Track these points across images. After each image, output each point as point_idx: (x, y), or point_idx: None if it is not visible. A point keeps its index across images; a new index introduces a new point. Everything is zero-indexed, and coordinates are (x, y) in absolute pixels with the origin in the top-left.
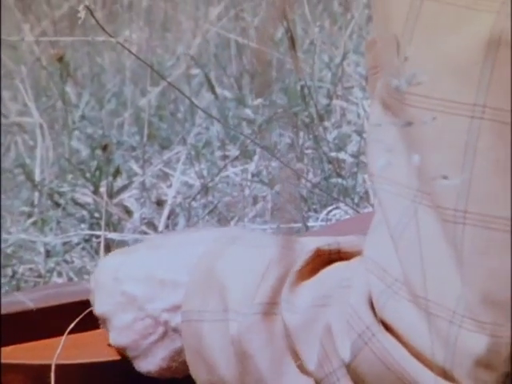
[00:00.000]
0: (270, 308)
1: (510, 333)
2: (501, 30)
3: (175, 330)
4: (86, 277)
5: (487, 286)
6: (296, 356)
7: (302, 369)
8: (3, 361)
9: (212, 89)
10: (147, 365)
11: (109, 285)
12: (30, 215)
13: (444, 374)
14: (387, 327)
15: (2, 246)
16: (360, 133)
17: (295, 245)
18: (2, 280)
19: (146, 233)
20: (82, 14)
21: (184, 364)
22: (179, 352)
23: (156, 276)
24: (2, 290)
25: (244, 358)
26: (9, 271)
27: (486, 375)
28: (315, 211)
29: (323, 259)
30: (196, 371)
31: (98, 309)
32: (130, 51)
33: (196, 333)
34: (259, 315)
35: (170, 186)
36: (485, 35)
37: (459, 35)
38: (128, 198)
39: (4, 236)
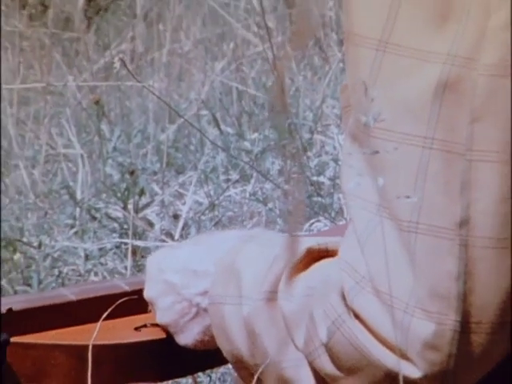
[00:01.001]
0: (273, 295)
1: (452, 321)
2: (446, 77)
3: (205, 310)
4: (116, 276)
5: (434, 282)
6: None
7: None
8: (50, 342)
9: (218, 126)
10: (185, 339)
11: (154, 274)
12: (72, 226)
13: (400, 353)
14: (356, 316)
15: (50, 251)
16: (336, 161)
17: (295, 244)
18: (50, 278)
19: (164, 241)
20: (117, 64)
21: (213, 338)
22: (209, 328)
23: (190, 267)
24: (51, 287)
25: (253, 335)
26: (56, 271)
27: (432, 355)
28: (301, 223)
29: (314, 256)
30: (220, 343)
31: (146, 293)
32: (153, 93)
33: (219, 313)
34: (264, 301)
35: (184, 204)
36: (433, 81)
37: (413, 81)
38: (150, 212)
39: (52, 243)
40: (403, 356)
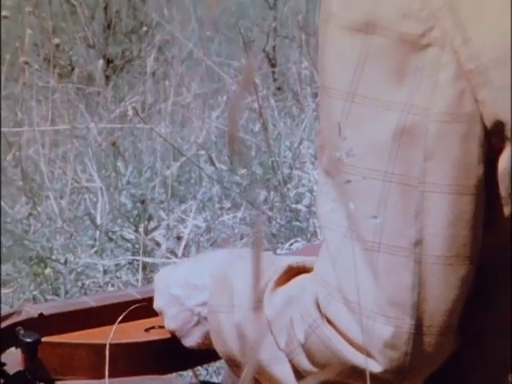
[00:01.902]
0: (260, 304)
1: (408, 324)
2: (403, 123)
3: (205, 319)
4: (129, 287)
5: (393, 293)
6: (276, 342)
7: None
8: (74, 341)
9: (213, 163)
10: (188, 342)
11: (161, 288)
12: (93, 246)
13: (367, 352)
14: (328, 321)
15: (75, 267)
16: (311, 191)
17: (276, 261)
18: (75, 289)
19: (169, 258)
20: (131, 112)
21: (211, 341)
22: (208, 333)
23: (191, 282)
24: (75, 296)
25: (243, 338)
26: (79, 283)
27: (391, 353)
28: (281, 243)
29: (293, 272)
30: (216, 345)
31: (155, 304)
32: (160, 135)
33: (216, 320)
34: (252, 309)
35: (185, 227)
36: (393, 127)
37: (376, 126)
38: (158, 234)
39: (76, 260)
40: (367, 354)
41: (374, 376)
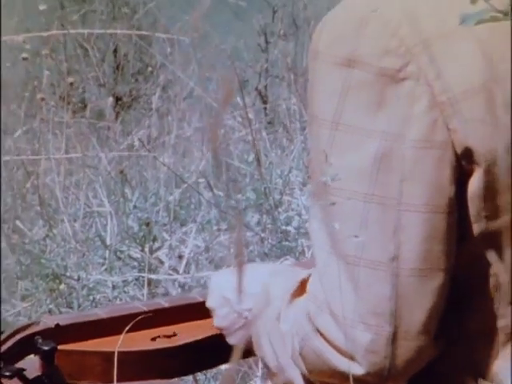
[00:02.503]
0: (279, 315)
1: (386, 331)
2: (382, 149)
3: (250, 323)
4: (136, 301)
5: (373, 303)
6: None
7: None
8: (87, 349)
9: (211, 190)
10: (232, 340)
11: (216, 289)
12: (103, 264)
13: (350, 357)
14: (319, 332)
15: (87, 283)
16: (299, 215)
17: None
18: (87, 303)
19: (171, 274)
20: (137, 144)
21: (250, 342)
22: (250, 336)
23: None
24: (87, 309)
25: (270, 342)
26: (91, 298)
27: (372, 357)
28: (273, 261)
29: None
30: (256, 350)
31: (208, 303)
32: (164, 164)
33: (256, 326)
34: (276, 319)
35: (186, 247)
36: (372, 153)
37: (358, 152)
38: (161, 254)
39: (88, 277)
40: (352, 358)
41: (358, 379)
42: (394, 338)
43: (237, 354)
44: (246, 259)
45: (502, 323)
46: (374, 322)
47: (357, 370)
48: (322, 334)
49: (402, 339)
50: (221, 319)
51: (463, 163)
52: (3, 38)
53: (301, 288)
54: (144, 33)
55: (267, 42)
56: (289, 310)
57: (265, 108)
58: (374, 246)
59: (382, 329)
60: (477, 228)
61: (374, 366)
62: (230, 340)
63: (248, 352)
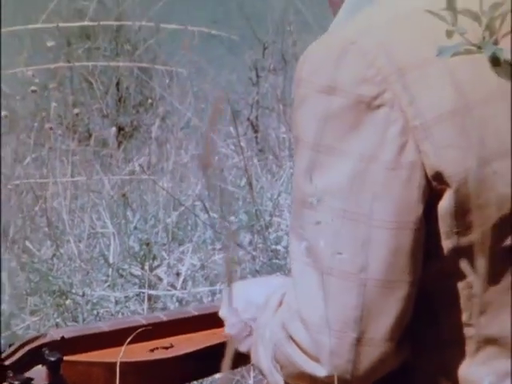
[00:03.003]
0: (266, 325)
1: (350, 337)
2: (357, 169)
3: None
4: (136, 315)
5: (340, 310)
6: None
7: None
8: (91, 359)
9: (207, 212)
10: (242, 348)
11: (226, 300)
12: (106, 281)
13: (317, 360)
14: (292, 339)
15: (91, 298)
16: (288, 235)
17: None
18: (91, 317)
19: (170, 290)
20: (138, 169)
21: None
22: None
23: (249, 300)
24: (91, 322)
25: (260, 356)
26: (95, 312)
27: (336, 361)
28: None
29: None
30: (252, 358)
31: (221, 312)
32: (163, 188)
33: (256, 336)
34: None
35: (183, 265)
36: (348, 172)
37: (336, 171)
38: (160, 271)
39: (92, 293)
40: (317, 361)
41: (322, 381)
42: (357, 344)
43: (227, 362)
44: (238, 276)
45: (472, 332)
46: (339, 327)
47: (321, 372)
48: (294, 341)
49: (367, 345)
50: (230, 327)
51: (434, 184)
52: (14, 70)
53: (281, 301)
54: (144, 65)
55: (258, 76)
56: (273, 320)
57: (256, 137)
58: (345, 258)
59: (346, 334)
60: (449, 243)
61: (337, 369)
62: (241, 347)
63: (239, 361)
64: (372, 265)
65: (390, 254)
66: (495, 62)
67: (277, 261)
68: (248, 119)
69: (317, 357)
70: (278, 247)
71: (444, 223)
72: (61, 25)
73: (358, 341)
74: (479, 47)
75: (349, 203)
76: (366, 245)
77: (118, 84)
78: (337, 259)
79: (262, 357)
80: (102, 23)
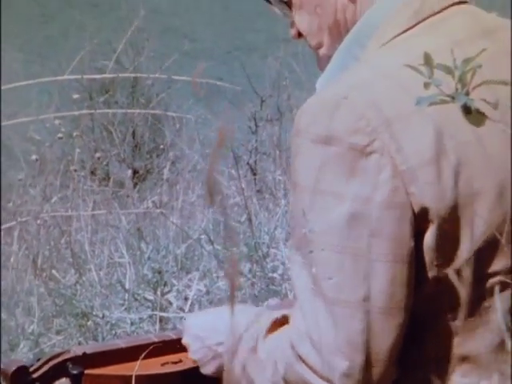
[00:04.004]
0: (255, 349)
1: (359, 359)
2: (353, 210)
3: (220, 356)
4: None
5: (348, 335)
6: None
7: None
8: (109, 373)
9: (212, 244)
10: (206, 370)
11: (189, 328)
12: (123, 305)
13: (328, 380)
14: (300, 358)
15: (109, 320)
16: (283, 264)
17: (264, 313)
18: (109, 336)
19: (179, 313)
20: (151, 205)
21: (220, 371)
22: (220, 365)
23: (211, 325)
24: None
25: (243, 369)
26: (113, 332)
27: (347, 381)
28: (262, 302)
29: (278, 323)
30: (225, 375)
31: (183, 340)
32: (173, 223)
33: (230, 358)
34: (251, 351)
35: (191, 291)
36: (345, 212)
37: (335, 211)
38: (170, 296)
39: (110, 315)
40: (328, 381)
41: None
42: (365, 365)
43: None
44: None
45: (451, 351)
46: (349, 350)
47: None
48: (303, 360)
49: (372, 365)
50: (194, 353)
51: (420, 221)
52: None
53: (273, 326)
54: (157, 112)
55: (257, 126)
56: (265, 342)
57: (255, 179)
58: (349, 288)
59: (356, 356)
60: (431, 274)
61: None
62: (204, 370)
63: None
64: (374, 294)
65: (388, 284)
66: (467, 110)
67: (273, 287)
68: (248, 163)
69: (329, 377)
70: (275, 275)
71: (427, 255)
72: (85, 76)
73: (366, 362)
74: (453, 97)
75: (348, 240)
76: (367, 276)
77: (133, 133)
78: (342, 289)
79: (242, 377)
80: (120, 75)
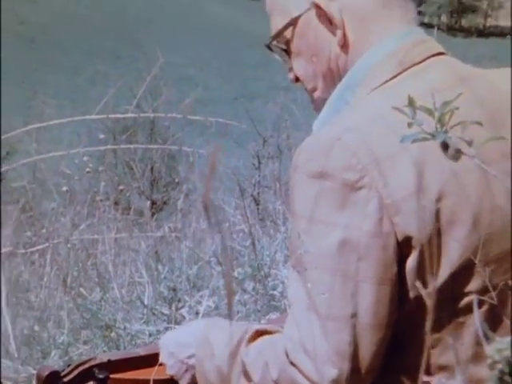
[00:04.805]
0: (235, 353)
1: (346, 368)
2: (344, 237)
3: (192, 367)
4: None
5: (337, 347)
6: (248, 377)
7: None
8: (131, 377)
9: (220, 265)
10: (183, 382)
11: (164, 346)
12: (142, 318)
13: None
14: (293, 365)
15: (130, 332)
16: (282, 283)
17: (246, 326)
18: (130, 346)
19: None
20: (167, 231)
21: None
22: (194, 376)
23: (181, 342)
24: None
25: (222, 378)
26: (133, 342)
27: None
28: (264, 316)
29: (259, 333)
30: (200, 382)
31: (161, 358)
32: (186, 246)
33: (201, 366)
34: (229, 357)
35: (201, 306)
36: (337, 240)
37: (327, 238)
38: (184, 311)
39: (131, 327)
40: None
41: None
42: (352, 372)
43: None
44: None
45: (434, 360)
46: (338, 360)
47: None
48: (295, 366)
49: (358, 373)
50: (170, 368)
51: (403, 247)
52: (72, 151)
53: (255, 334)
54: (174, 147)
55: (259, 162)
56: (249, 348)
57: (258, 208)
58: (339, 306)
59: (344, 365)
60: (412, 294)
61: None
62: (181, 383)
63: None
64: (360, 312)
65: (373, 303)
66: (445, 147)
67: (274, 303)
68: (251, 195)
69: (319, 383)
70: (275, 292)
71: (409, 278)
72: (110, 116)
73: (353, 370)
74: (433, 136)
75: (339, 263)
76: (355, 296)
77: (152, 169)
78: (332, 306)
79: (217, 382)
80: (141, 115)
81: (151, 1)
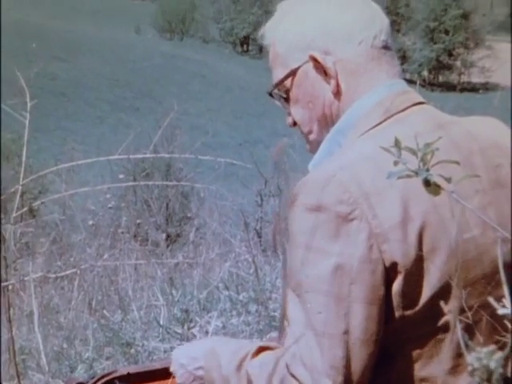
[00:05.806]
0: (241, 365)
1: (340, 380)
2: (338, 264)
3: (199, 378)
4: None
5: (331, 361)
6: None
7: None
8: None
9: (227, 290)
10: None
11: (175, 358)
12: (158, 337)
13: None
14: (293, 376)
15: (148, 348)
16: (281, 304)
17: (249, 343)
18: (147, 361)
19: None
20: (181, 259)
21: None
22: None
23: (192, 355)
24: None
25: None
26: (150, 358)
27: None
28: (265, 335)
29: (262, 349)
30: None
31: (171, 368)
32: (197, 273)
33: (210, 376)
34: (235, 368)
35: (210, 326)
36: (331, 267)
37: (322, 264)
38: (195, 330)
39: (148, 345)
40: None
41: None
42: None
43: None
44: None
45: (417, 373)
46: (332, 373)
47: None
48: (295, 378)
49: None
50: (179, 377)
51: (390, 272)
52: (97, 188)
53: (259, 350)
54: (188, 183)
55: (262, 200)
56: (253, 361)
57: (260, 241)
58: (333, 324)
59: (337, 377)
60: (397, 314)
61: None
62: None
63: None
64: (352, 329)
65: (364, 321)
66: (427, 183)
67: (274, 323)
68: (255, 229)
69: None
70: (276, 314)
71: (395, 299)
72: (131, 156)
73: (345, 382)
74: (416, 173)
75: (333, 286)
76: (347, 315)
77: (167, 206)
78: (327, 325)
79: None
80: (158, 155)
81: (168, 60)
